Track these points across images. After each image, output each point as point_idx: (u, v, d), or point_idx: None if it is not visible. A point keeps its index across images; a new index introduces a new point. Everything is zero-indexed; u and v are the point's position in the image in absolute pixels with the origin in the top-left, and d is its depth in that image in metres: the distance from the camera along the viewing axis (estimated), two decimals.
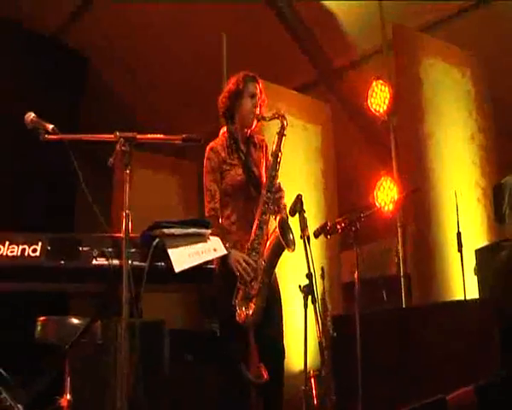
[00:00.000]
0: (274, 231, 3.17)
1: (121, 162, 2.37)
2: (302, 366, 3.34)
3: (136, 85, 7.60)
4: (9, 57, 6.54)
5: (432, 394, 2.73)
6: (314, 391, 4.08)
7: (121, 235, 2.30)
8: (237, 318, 3.07)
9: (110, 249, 2.29)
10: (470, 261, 4.49)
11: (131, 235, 2.32)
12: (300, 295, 3.11)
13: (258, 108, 3.36)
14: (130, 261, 2.26)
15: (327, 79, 6.96)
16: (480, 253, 4.48)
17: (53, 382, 2.97)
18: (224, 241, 3.05)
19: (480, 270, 4.38)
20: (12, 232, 2.29)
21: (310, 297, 3.07)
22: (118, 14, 6.60)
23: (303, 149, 5.66)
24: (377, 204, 5.63)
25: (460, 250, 4.50)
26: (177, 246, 2.34)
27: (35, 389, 2.69)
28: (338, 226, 3.75)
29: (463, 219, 4.67)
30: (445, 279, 4.84)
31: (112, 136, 2.42)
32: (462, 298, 4.38)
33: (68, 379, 3.19)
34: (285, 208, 3.30)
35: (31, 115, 2.46)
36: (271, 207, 3.22)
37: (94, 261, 2.28)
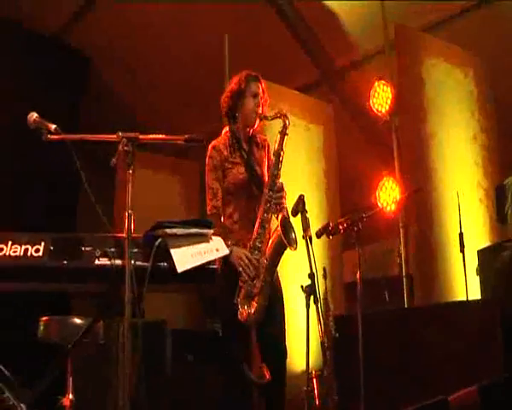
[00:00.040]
0: (276, 229, 3.17)
1: (124, 162, 2.37)
2: (304, 367, 3.34)
3: (136, 85, 7.60)
4: (10, 57, 6.55)
5: (434, 394, 2.73)
6: (316, 391, 4.09)
7: (124, 235, 2.30)
8: (239, 316, 3.07)
9: (113, 249, 2.29)
10: (472, 262, 4.49)
11: (134, 235, 2.32)
12: (302, 296, 3.11)
13: (261, 108, 3.37)
14: (132, 261, 2.26)
15: (329, 80, 6.96)
16: (482, 253, 4.48)
17: (55, 381, 2.96)
18: (226, 239, 3.07)
19: (482, 270, 4.38)
20: (15, 232, 2.29)
21: (312, 297, 3.07)
22: (119, 15, 6.60)
23: (305, 150, 5.66)
24: (379, 204, 5.63)
25: (462, 251, 4.50)
26: (179, 246, 2.34)
27: (38, 388, 2.69)
28: (340, 227, 3.75)
29: (465, 219, 4.67)
30: (447, 280, 4.84)
31: (114, 136, 2.42)
32: (465, 299, 4.37)
33: (70, 379, 3.19)
34: (286, 208, 3.30)
35: (33, 115, 2.47)
36: (273, 207, 3.23)
37: (96, 261, 2.28)
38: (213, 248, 2.44)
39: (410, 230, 5.14)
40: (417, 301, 4.89)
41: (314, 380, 4.10)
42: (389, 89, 5.64)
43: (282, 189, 3.28)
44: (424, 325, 3.91)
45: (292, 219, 3.24)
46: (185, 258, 2.33)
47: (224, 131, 3.47)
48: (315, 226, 3.46)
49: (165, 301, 5.66)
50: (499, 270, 4.13)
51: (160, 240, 2.33)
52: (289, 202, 3.31)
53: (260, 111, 3.36)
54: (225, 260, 3.05)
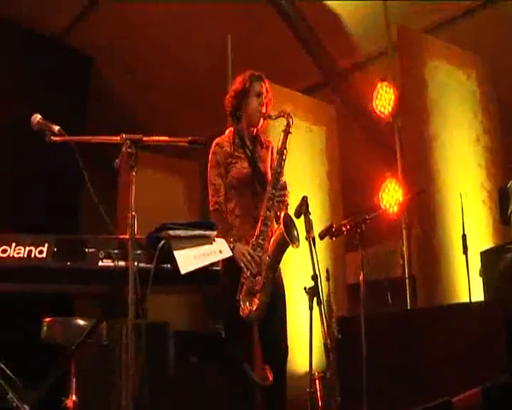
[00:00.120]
0: (278, 227, 3.18)
1: (127, 164, 2.37)
2: (307, 368, 3.34)
3: (136, 85, 7.62)
4: (11, 57, 6.56)
5: (437, 396, 2.73)
6: (319, 393, 4.08)
7: (127, 237, 2.31)
8: (241, 312, 3.07)
9: (116, 251, 2.30)
10: (475, 264, 4.48)
11: (137, 237, 2.33)
12: (306, 297, 3.11)
13: (265, 107, 3.38)
14: (136, 263, 2.27)
15: (331, 81, 6.96)
16: (485, 255, 4.47)
17: (58, 382, 2.97)
18: (228, 235, 3.08)
19: (485, 272, 4.37)
20: (18, 234, 2.30)
21: (315, 299, 3.07)
22: (119, 15, 6.61)
23: (307, 151, 5.66)
24: (382, 206, 5.62)
25: (465, 252, 4.49)
26: (182, 248, 2.35)
27: (42, 389, 2.69)
28: (343, 228, 3.76)
29: (468, 221, 4.66)
30: (450, 281, 4.83)
31: (118, 138, 2.43)
32: (468, 300, 4.37)
33: (74, 380, 3.20)
34: (287, 207, 3.30)
35: (37, 117, 2.47)
36: (276, 204, 3.23)
37: (100, 263, 2.29)
38: (216, 250, 2.44)
39: (412, 231, 5.14)
40: (420, 302, 4.88)
41: (317, 381, 4.09)
42: (392, 90, 5.65)
43: (284, 187, 3.29)
44: (427, 326, 3.90)
45: (295, 220, 3.24)
46: (188, 260, 2.33)
47: (227, 131, 3.48)
48: (317, 228, 3.46)
49: (168, 302, 5.66)
50: (502, 272, 4.12)
51: (163, 242, 2.34)
52: (292, 204, 3.31)
53: (264, 110, 3.37)
54: (227, 258, 3.05)
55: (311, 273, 3.09)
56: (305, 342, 3.36)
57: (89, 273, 2.30)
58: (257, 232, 3.20)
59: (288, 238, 3.11)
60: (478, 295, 4.40)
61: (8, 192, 6.30)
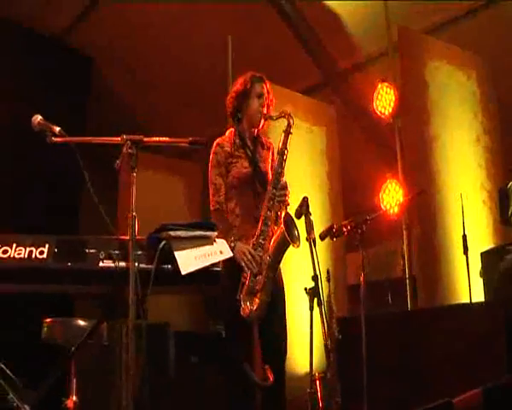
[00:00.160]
0: (279, 226, 3.18)
1: (128, 165, 2.37)
2: (308, 368, 3.34)
3: (136, 85, 7.62)
4: (11, 57, 6.57)
5: (437, 397, 2.72)
6: (319, 393, 4.08)
7: (128, 237, 2.31)
8: (242, 312, 3.08)
9: (117, 252, 2.30)
10: (476, 264, 4.48)
11: (138, 237, 2.33)
12: (306, 298, 3.11)
13: (266, 108, 3.39)
14: (136, 264, 2.27)
15: (331, 81, 6.96)
16: (485, 255, 4.48)
17: (58, 383, 2.97)
18: (228, 234, 3.08)
19: (485, 273, 4.38)
20: (19, 234, 2.30)
21: (315, 299, 3.07)
22: (119, 15, 6.62)
23: (308, 151, 5.67)
24: (383, 206, 5.62)
25: (465, 253, 4.49)
26: (183, 248, 2.35)
27: (42, 390, 2.70)
28: (344, 229, 3.76)
29: (469, 221, 4.66)
30: (450, 282, 4.83)
31: (118, 138, 2.43)
32: (468, 301, 4.37)
33: (74, 380, 3.20)
34: (287, 207, 3.31)
35: (38, 118, 2.47)
36: (276, 204, 3.24)
37: (100, 263, 2.29)
38: (217, 251, 2.44)
39: (413, 232, 5.14)
40: (421, 303, 4.88)
41: (317, 382, 4.10)
42: (392, 91, 5.65)
43: (285, 187, 3.29)
44: (427, 326, 3.90)
45: (296, 221, 3.24)
46: (189, 260, 2.33)
47: (228, 132, 3.48)
48: (318, 228, 3.46)
49: (169, 302, 5.66)
50: (503, 272, 4.12)
51: (164, 242, 2.34)
52: (292, 204, 3.32)
53: (265, 111, 3.38)
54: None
55: (312, 274, 3.09)
56: (305, 342, 3.36)
57: (89, 274, 2.30)
58: (257, 232, 3.20)
59: (289, 238, 3.12)
60: (478, 296, 4.40)
61: (8, 192, 6.31)
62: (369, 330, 3.61)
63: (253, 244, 3.18)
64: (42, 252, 2.26)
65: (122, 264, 2.29)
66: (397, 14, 5.66)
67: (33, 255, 2.25)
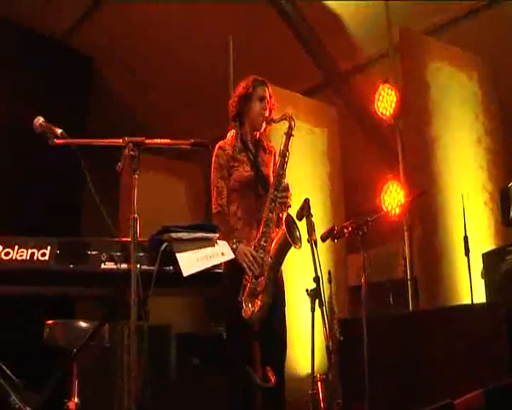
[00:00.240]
0: (280, 228, 3.18)
1: (130, 167, 2.37)
2: (309, 370, 3.33)
3: (136, 85, 7.62)
4: (11, 58, 6.58)
5: (439, 398, 2.73)
6: (321, 394, 4.08)
7: (129, 239, 2.31)
8: (243, 314, 3.08)
9: (119, 253, 2.30)
10: (477, 265, 4.48)
11: (140, 239, 2.33)
12: (307, 299, 3.11)
13: (268, 112, 3.39)
14: (138, 265, 2.27)
15: (332, 82, 6.96)
16: (486, 257, 4.48)
17: (60, 384, 2.97)
18: (230, 237, 3.08)
19: (487, 274, 4.38)
20: (21, 236, 2.30)
21: (317, 301, 3.07)
22: (119, 15, 6.63)
23: (309, 153, 5.67)
24: (384, 208, 5.62)
25: (467, 254, 4.49)
26: (185, 250, 2.35)
27: (44, 391, 2.70)
28: (345, 230, 3.76)
29: (470, 222, 4.66)
30: (452, 283, 4.83)
31: (120, 141, 2.42)
32: (470, 302, 4.36)
33: (76, 382, 3.20)
34: (288, 209, 3.31)
35: (40, 120, 2.47)
36: (278, 206, 3.24)
37: (102, 265, 2.29)
38: (219, 252, 2.44)
39: (414, 233, 5.14)
40: (422, 304, 4.88)
41: (319, 383, 4.09)
42: (394, 92, 5.65)
43: (287, 188, 3.30)
44: (429, 328, 3.90)
45: (297, 222, 3.25)
46: (191, 262, 2.34)
47: (229, 134, 3.49)
48: (319, 229, 3.46)
49: (170, 304, 5.66)
50: (504, 273, 4.12)
51: (165, 244, 2.34)
52: (293, 205, 3.32)
53: (267, 115, 3.38)
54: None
55: (313, 275, 3.09)
56: (307, 343, 3.35)
57: (91, 276, 2.30)
58: (259, 234, 3.21)
59: (290, 239, 3.12)
60: (480, 297, 4.40)
61: (8, 192, 6.31)
62: (371, 332, 3.61)
63: (255, 246, 3.19)
64: (44, 254, 2.27)
65: (124, 266, 2.29)
66: (398, 15, 5.66)
67: (35, 257, 2.26)
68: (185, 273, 2.31)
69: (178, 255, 2.32)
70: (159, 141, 2.54)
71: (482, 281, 4.41)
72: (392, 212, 5.50)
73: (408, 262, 5.21)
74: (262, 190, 3.32)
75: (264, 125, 3.40)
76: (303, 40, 6.53)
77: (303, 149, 5.50)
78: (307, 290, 3.11)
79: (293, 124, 3.34)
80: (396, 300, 5.71)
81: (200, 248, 2.40)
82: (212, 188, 3.36)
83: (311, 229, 3.15)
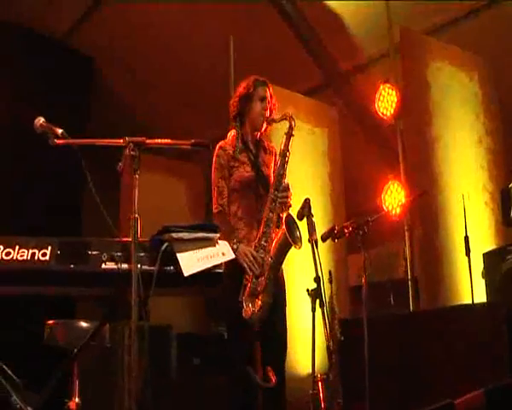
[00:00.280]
0: (281, 228, 3.18)
1: (130, 167, 2.37)
2: (310, 370, 3.33)
3: (136, 85, 7.63)
4: (12, 58, 6.59)
5: (439, 397, 2.73)
6: (321, 394, 4.07)
7: (130, 239, 2.31)
8: (244, 314, 3.08)
9: (119, 253, 2.30)
10: (478, 265, 4.48)
11: (140, 239, 2.33)
12: (308, 299, 3.11)
13: (268, 112, 3.39)
14: (139, 265, 2.27)
15: (333, 82, 6.95)
16: (487, 257, 4.48)
17: (60, 384, 2.97)
18: (231, 237, 3.09)
19: (487, 274, 4.38)
20: (22, 236, 2.30)
21: (317, 301, 3.07)
22: (119, 15, 6.63)
23: (310, 153, 5.67)
24: (384, 208, 5.62)
25: (468, 254, 4.49)
26: (185, 250, 2.35)
27: (45, 391, 2.70)
28: (345, 230, 3.76)
29: (471, 222, 4.66)
30: (452, 283, 4.83)
31: (121, 141, 2.42)
32: (470, 302, 4.36)
33: (76, 382, 3.20)
34: (289, 209, 3.31)
35: (40, 120, 2.47)
36: (278, 206, 3.25)
37: (103, 265, 2.29)
38: (219, 252, 2.44)
39: (415, 233, 5.14)
40: (423, 304, 4.88)
41: (319, 383, 4.09)
42: (394, 92, 5.64)
43: (287, 188, 3.30)
44: (429, 328, 3.91)
45: (298, 222, 3.25)
46: (191, 262, 2.34)
47: (230, 134, 3.49)
48: (319, 229, 3.46)
49: (170, 304, 5.67)
50: (505, 273, 4.12)
51: (166, 244, 2.34)
52: (294, 205, 3.32)
53: (268, 115, 3.39)
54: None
55: (314, 275, 3.09)
56: (307, 343, 3.35)
57: (92, 276, 2.30)
58: (259, 234, 3.21)
59: (291, 239, 3.12)
60: (480, 297, 4.40)
61: (8, 192, 6.32)
62: (371, 332, 3.61)
63: (255, 246, 3.19)
64: (44, 254, 2.27)
65: (124, 266, 2.29)
66: (398, 15, 5.65)
67: (36, 257, 2.26)
68: (186, 273, 2.31)
69: (179, 255, 2.33)
70: (159, 141, 2.54)
71: (483, 281, 4.41)
72: (393, 212, 5.50)
73: (408, 262, 5.21)
74: (262, 191, 3.33)
75: (264, 125, 3.40)
76: (303, 40, 6.53)
77: (303, 149, 5.50)
78: (308, 290, 3.12)
79: (293, 124, 3.34)
80: (396, 300, 5.71)
81: (201, 248, 2.40)
82: (213, 188, 3.37)
83: (311, 229, 3.16)
